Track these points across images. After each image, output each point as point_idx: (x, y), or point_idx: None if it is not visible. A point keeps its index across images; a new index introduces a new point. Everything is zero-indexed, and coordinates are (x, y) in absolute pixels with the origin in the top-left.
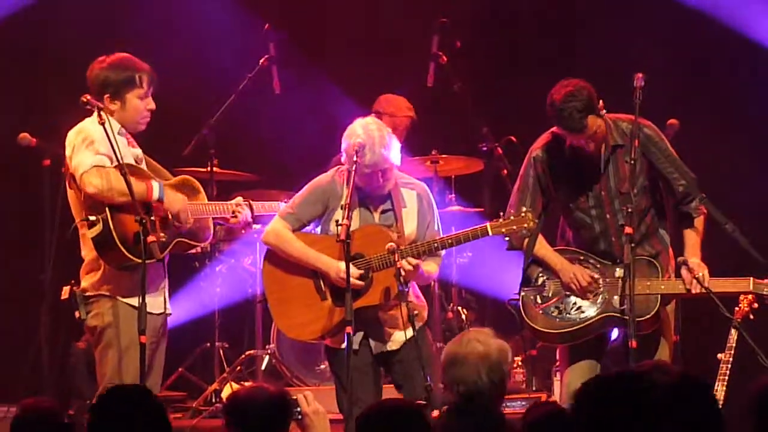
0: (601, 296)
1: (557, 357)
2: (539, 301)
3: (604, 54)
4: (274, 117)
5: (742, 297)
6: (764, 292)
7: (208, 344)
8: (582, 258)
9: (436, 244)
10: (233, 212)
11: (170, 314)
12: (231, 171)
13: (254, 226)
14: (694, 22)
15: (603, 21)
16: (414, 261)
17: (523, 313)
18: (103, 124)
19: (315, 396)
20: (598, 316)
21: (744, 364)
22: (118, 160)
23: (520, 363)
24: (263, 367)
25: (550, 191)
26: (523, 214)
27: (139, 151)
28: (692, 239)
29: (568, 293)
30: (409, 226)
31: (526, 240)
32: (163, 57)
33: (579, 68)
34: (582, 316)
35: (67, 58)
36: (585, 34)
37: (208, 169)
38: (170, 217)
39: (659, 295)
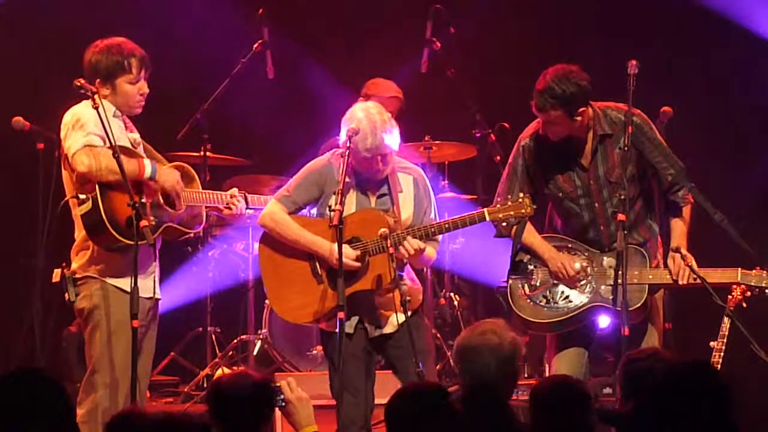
0: (589, 285)
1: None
2: (527, 289)
3: (598, 41)
4: (267, 102)
5: (734, 285)
6: (752, 283)
7: (200, 329)
8: (570, 246)
9: (432, 229)
10: (228, 204)
11: (160, 299)
12: (224, 156)
13: (247, 211)
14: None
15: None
16: (416, 244)
17: (510, 302)
18: (96, 108)
19: (306, 381)
20: (586, 306)
21: (736, 352)
22: (110, 142)
23: None
24: (255, 352)
25: (538, 180)
26: (520, 200)
27: (136, 135)
28: (679, 228)
29: (556, 282)
30: (406, 211)
31: (515, 227)
32: (157, 41)
33: (572, 56)
34: (570, 305)
35: (61, 41)
36: (579, 20)
37: (201, 153)
38: (161, 200)
39: (647, 285)
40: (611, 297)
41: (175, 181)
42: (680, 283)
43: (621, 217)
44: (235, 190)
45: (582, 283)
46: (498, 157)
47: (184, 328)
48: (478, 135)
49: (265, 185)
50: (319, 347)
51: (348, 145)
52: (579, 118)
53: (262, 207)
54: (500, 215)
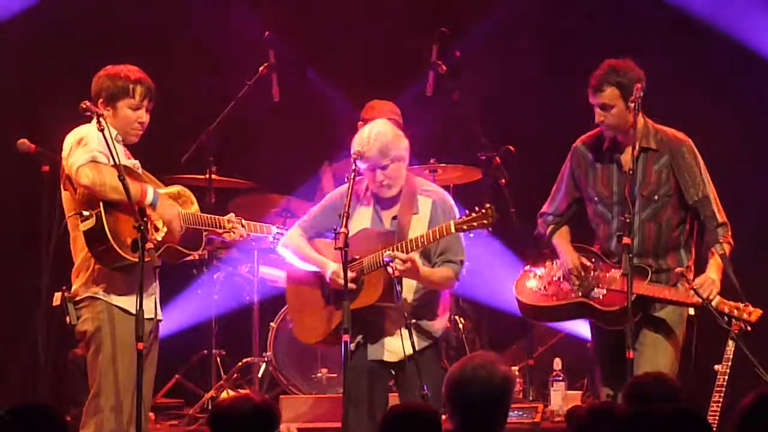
0: (584, 282)
1: (554, 367)
2: (533, 277)
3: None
4: (272, 124)
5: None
6: (725, 310)
7: (205, 351)
8: (589, 252)
9: (410, 245)
10: (226, 228)
11: (161, 320)
12: (229, 179)
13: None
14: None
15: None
16: (403, 255)
17: (516, 285)
18: (102, 130)
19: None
20: (574, 300)
21: (741, 376)
22: (115, 161)
23: (517, 372)
24: (260, 375)
25: (581, 183)
26: (485, 210)
27: (135, 162)
28: (717, 262)
29: (560, 276)
30: (417, 232)
31: (551, 227)
32: (163, 64)
33: (579, 78)
34: (561, 297)
35: (68, 64)
36: (584, 42)
37: (207, 176)
38: (161, 224)
39: (635, 295)
40: (598, 298)
41: (174, 216)
42: (668, 297)
43: (626, 240)
44: (232, 216)
45: (581, 281)
46: (503, 180)
47: (189, 350)
48: (483, 158)
49: (269, 207)
50: (324, 370)
51: (354, 167)
52: (632, 105)
53: (258, 234)
54: (465, 226)
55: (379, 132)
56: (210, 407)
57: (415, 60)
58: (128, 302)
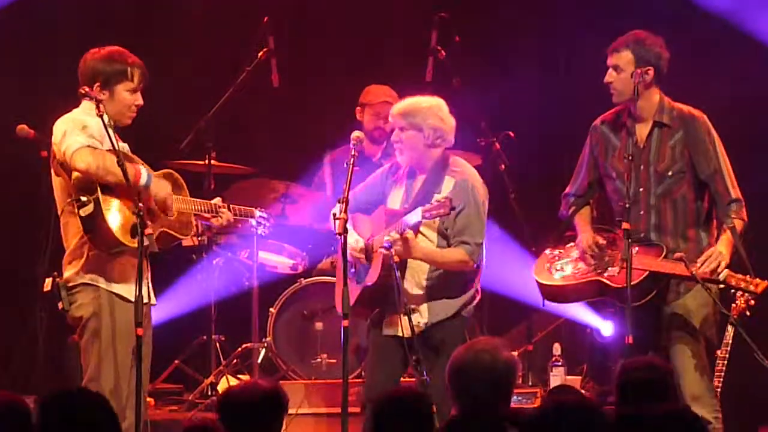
0: (600, 262)
1: (553, 352)
2: (552, 258)
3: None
4: (272, 110)
5: (739, 294)
6: (732, 283)
7: (205, 337)
8: (607, 231)
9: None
10: (215, 212)
11: (154, 304)
12: (228, 164)
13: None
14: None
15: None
16: (395, 235)
17: (535, 267)
18: (101, 115)
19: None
20: (589, 279)
21: (739, 361)
22: (113, 146)
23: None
24: (259, 361)
25: (600, 160)
26: (443, 200)
27: (124, 145)
28: (727, 237)
29: (576, 256)
30: None
31: (572, 208)
32: (160, 49)
33: (576, 63)
34: (577, 275)
35: (66, 49)
36: (582, 27)
37: (206, 161)
38: (155, 206)
39: (647, 272)
40: (612, 276)
41: (168, 194)
42: (676, 273)
43: (626, 225)
44: (218, 200)
45: (597, 261)
46: (503, 166)
47: (189, 336)
48: (482, 143)
49: (269, 193)
50: (324, 355)
51: (353, 153)
52: (647, 77)
53: (242, 218)
54: (429, 213)
55: (423, 99)
56: (209, 392)
57: (414, 45)
58: (124, 289)
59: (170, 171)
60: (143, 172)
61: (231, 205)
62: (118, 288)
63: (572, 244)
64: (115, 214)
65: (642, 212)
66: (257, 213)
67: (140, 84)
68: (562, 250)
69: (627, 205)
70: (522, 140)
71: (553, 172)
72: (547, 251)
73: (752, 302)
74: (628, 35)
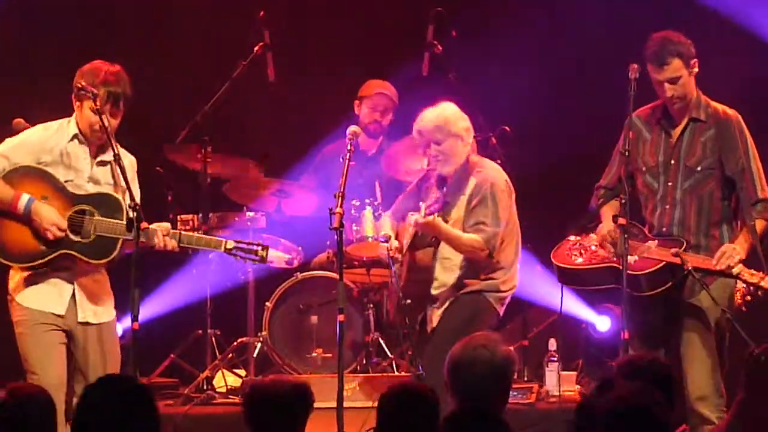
0: (618, 250)
1: (549, 348)
2: (572, 244)
3: (599, 39)
4: (268, 105)
5: (735, 290)
6: (745, 278)
7: (200, 331)
8: (631, 224)
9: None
10: (159, 242)
11: (99, 324)
12: (224, 158)
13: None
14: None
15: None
16: (420, 217)
17: (554, 251)
18: (98, 112)
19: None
20: (606, 263)
21: (735, 356)
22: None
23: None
24: (255, 355)
25: (633, 153)
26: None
27: (132, 159)
28: (745, 235)
29: (596, 244)
30: (458, 212)
31: (601, 200)
32: (156, 44)
33: (574, 58)
34: (593, 261)
35: (65, 44)
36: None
37: (202, 156)
38: (53, 230)
39: (663, 263)
40: (631, 263)
41: (51, 224)
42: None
43: (621, 221)
44: (167, 227)
45: (616, 249)
46: (499, 161)
47: (184, 330)
48: (479, 138)
49: (264, 188)
50: (319, 350)
51: (348, 148)
52: (695, 70)
53: (204, 247)
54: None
55: (441, 108)
56: (205, 387)
57: (411, 40)
58: (36, 302)
59: (108, 192)
60: (23, 199)
61: (187, 234)
62: (31, 303)
63: (593, 234)
64: (2, 238)
65: (667, 206)
66: (230, 244)
67: (105, 106)
68: (584, 238)
69: (623, 201)
70: (520, 135)
71: (551, 167)
72: (571, 237)
73: (748, 297)
74: (660, 44)
